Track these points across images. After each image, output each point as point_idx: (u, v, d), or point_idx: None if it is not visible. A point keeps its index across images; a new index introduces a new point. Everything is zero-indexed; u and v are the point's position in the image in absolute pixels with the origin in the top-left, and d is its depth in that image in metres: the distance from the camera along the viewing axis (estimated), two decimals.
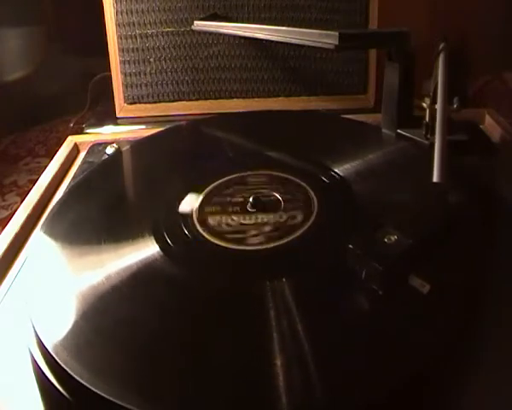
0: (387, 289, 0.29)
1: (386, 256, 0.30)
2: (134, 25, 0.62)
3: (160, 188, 0.43)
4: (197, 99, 0.64)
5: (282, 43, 0.59)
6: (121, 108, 0.64)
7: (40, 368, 0.29)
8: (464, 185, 0.38)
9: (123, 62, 0.63)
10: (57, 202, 0.43)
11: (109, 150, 0.53)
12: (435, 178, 0.36)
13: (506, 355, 0.28)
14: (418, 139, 0.48)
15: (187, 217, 0.38)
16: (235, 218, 0.38)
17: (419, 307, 0.29)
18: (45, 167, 0.52)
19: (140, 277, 0.33)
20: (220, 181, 0.42)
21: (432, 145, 0.40)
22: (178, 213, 0.39)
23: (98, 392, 0.25)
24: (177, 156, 0.50)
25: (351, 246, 0.31)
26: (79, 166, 0.53)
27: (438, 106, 0.43)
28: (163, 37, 0.62)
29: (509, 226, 0.37)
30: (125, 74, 0.63)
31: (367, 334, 0.28)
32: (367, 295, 0.30)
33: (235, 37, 0.61)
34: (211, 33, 0.62)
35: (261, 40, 0.60)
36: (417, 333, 0.28)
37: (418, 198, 0.35)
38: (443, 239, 0.32)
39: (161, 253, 0.35)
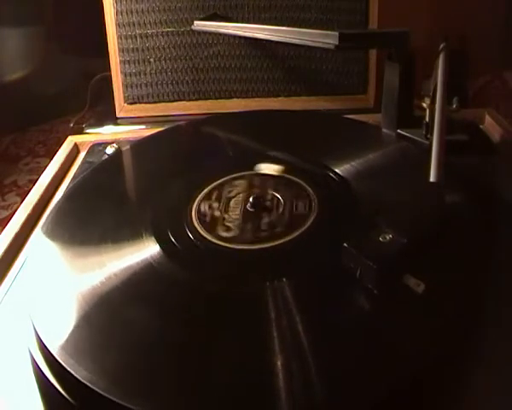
0: (382, 288, 0.29)
1: (381, 255, 0.30)
2: (134, 25, 0.62)
3: (159, 188, 0.43)
4: (197, 99, 0.64)
5: (282, 43, 0.59)
6: (121, 108, 0.64)
7: (40, 368, 0.29)
8: (464, 185, 0.38)
9: (123, 62, 0.63)
10: (57, 203, 0.43)
11: (109, 150, 0.53)
12: (432, 178, 0.36)
13: (506, 355, 0.28)
14: (418, 139, 0.48)
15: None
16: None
17: (415, 306, 0.29)
18: (45, 167, 0.52)
19: (140, 276, 0.33)
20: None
21: (431, 145, 0.40)
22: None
23: (99, 392, 0.25)
24: (177, 156, 0.50)
25: (345, 245, 0.31)
26: (79, 166, 0.53)
27: (436, 106, 0.43)
28: (163, 37, 0.62)
29: (509, 226, 0.37)
30: (125, 74, 0.63)
31: (364, 334, 0.28)
32: (363, 294, 0.30)
33: (235, 37, 0.61)
34: (211, 33, 0.62)
35: (261, 40, 0.60)
36: (413, 333, 0.28)
37: (415, 198, 0.35)
38: (439, 238, 0.32)
39: (162, 253, 0.35)
